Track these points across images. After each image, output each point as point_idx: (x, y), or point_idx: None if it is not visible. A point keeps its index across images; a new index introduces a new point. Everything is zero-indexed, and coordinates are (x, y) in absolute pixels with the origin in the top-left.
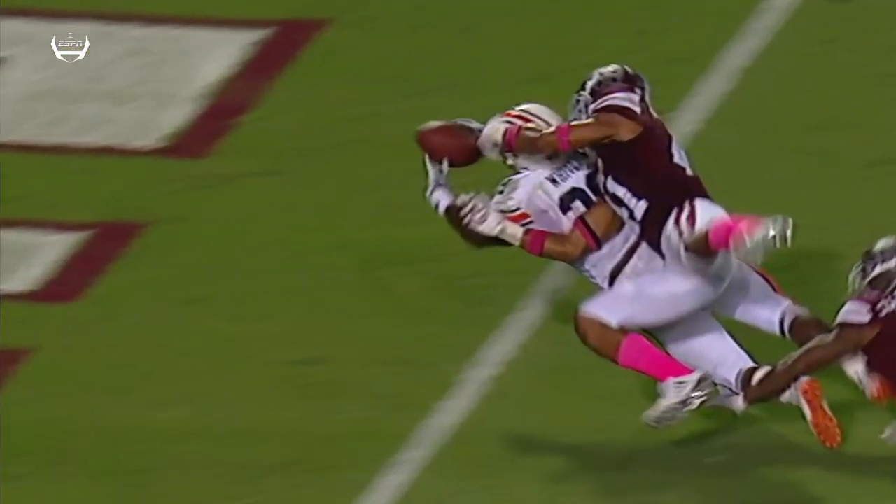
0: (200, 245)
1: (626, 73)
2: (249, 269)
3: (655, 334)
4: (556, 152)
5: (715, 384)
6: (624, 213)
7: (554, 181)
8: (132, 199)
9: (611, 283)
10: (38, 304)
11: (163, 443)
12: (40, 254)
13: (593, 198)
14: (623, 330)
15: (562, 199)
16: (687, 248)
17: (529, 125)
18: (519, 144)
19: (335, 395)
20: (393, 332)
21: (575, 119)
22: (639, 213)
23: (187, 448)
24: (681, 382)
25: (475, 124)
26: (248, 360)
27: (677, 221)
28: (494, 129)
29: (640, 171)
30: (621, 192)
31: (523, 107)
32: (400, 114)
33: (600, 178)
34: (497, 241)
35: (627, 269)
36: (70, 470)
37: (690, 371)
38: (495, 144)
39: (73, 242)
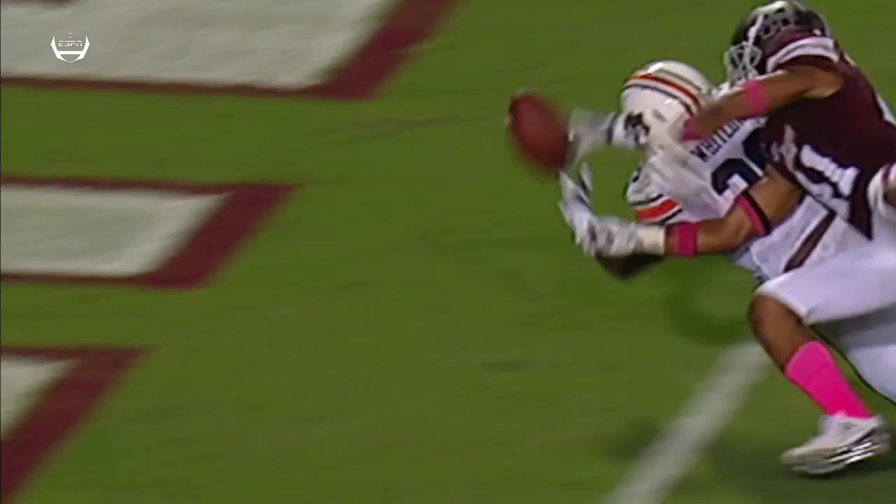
0: (366, 213)
1: (797, 11)
2: (431, 246)
3: (840, 341)
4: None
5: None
6: (824, 193)
7: (702, 155)
8: (275, 153)
9: None
10: (151, 290)
11: (322, 468)
12: (155, 225)
13: (757, 171)
14: (807, 335)
15: (715, 177)
16: (886, 197)
17: (683, 96)
18: (704, 127)
19: (541, 410)
20: (617, 329)
21: (740, 78)
22: (846, 186)
23: (355, 475)
24: (849, 425)
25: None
26: (429, 364)
27: (886, 176)
28: (672, 128)
29: (846, 135)
30: (822, 164)
31: (659, 66)
32: (624, 40)
33: (788, 149)
34: (644, 260)
35: (808, 262)
36: None
37: (869, 414)
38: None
39: (197, 210)
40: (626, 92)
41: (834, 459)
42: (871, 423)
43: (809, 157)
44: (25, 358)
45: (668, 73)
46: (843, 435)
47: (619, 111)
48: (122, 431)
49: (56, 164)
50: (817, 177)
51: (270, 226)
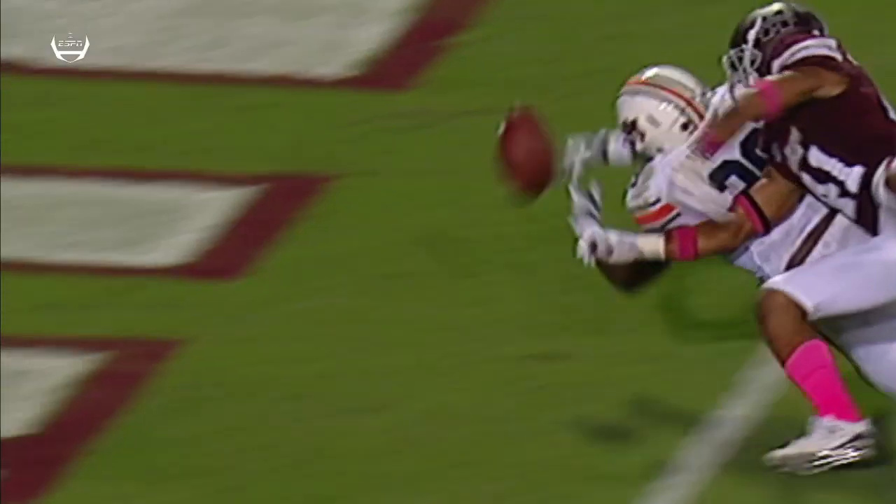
0: (402, 205)
1: (796, 13)
2: (467, 237)
3: (842, 339)
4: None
5: (879, 446)
6: (830, 193)
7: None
8: (312, 144)
9: None
10: (189, 281)
11: (357, 461)
12: (192, 216)
13: (754, 171)
14: (810, 333)
15: (712, 178)
16: (887, 183)
17: (677, 100)
18: (723, 132)
19: (579, 400)
20: (655, 320)
21: (740, 81)
22: (853, 184)
23: (388, 468)
24: (834, 429)
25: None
26: (468, 355)
27: (888, 164)
28: (667, 132)
29: (853, 134)
30: (830, 164)
31: (651, 72)
32: (666, 30)
33: (793, 150)
34: (647, 270)
35: (809, 260)
36: (238, 499)
37: (858, 418)
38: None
39: (234, 201)
40: (620, 100)
41: (816, 463)
42: (857, 428)
43: (817, 158)
44: (63, 349)
45: (660, 77)
46: (826, 439)
47: (609, 129)
48: (158, 423)
49: (93, 156)
50: (824, 177)
51: (308, 217)
